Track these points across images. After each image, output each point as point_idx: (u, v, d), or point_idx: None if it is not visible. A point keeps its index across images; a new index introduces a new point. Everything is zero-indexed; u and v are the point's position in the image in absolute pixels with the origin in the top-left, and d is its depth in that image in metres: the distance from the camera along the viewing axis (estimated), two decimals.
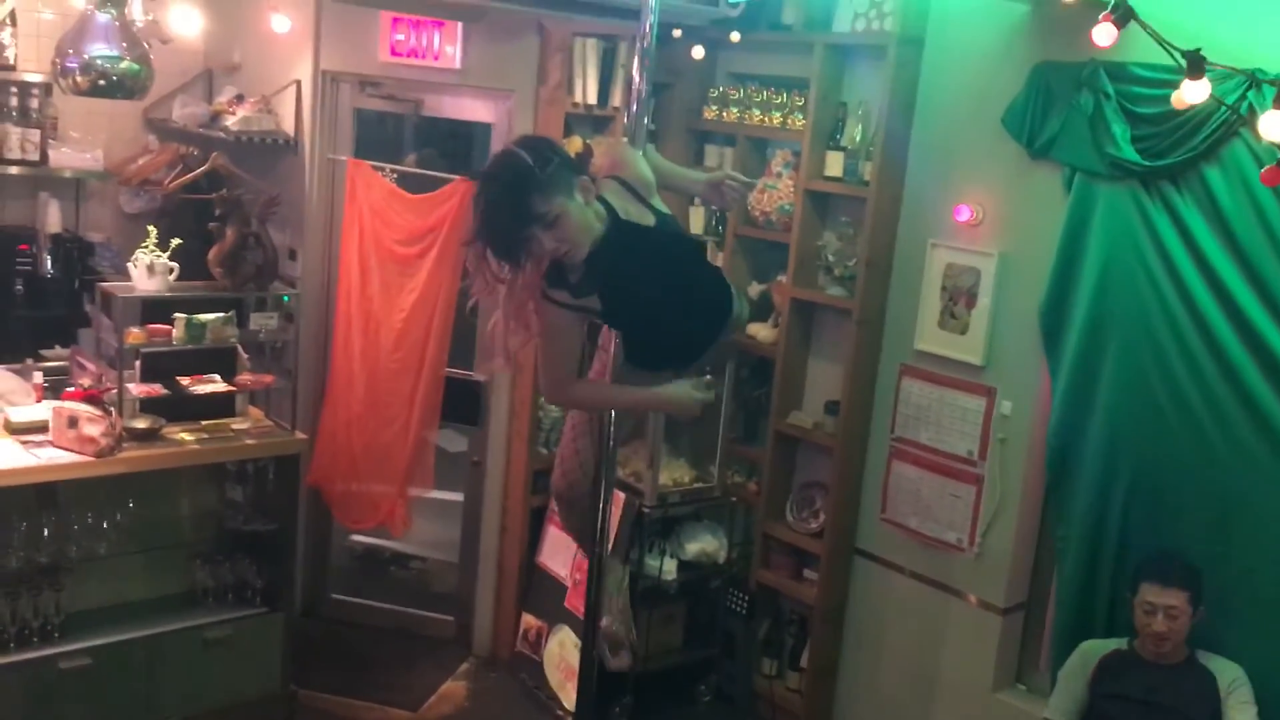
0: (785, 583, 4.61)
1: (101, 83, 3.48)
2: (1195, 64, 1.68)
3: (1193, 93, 1.74)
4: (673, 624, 4.74)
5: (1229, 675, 3.26)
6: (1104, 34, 1.78)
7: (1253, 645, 3.32)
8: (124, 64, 3.50)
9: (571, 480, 2.94)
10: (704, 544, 4.62)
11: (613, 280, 2.52)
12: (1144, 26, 1.71)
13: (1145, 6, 3.40)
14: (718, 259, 4.79)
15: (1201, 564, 3.34)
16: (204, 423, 4.21)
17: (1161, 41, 1.83)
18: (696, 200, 4.66)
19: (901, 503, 4.25)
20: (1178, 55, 1.75)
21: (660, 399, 2.76)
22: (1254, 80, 3.16)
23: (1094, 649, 3.48)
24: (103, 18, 3.50)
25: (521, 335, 2.60)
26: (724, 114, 4.72)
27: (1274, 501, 3.28)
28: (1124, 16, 1.72)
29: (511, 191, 2.36)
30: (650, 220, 2.62)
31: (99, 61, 3.47)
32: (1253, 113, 3.00)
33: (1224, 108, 3.10)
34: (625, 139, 2.86)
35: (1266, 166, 1.71)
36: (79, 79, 3.49)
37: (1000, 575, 4.00)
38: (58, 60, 3.52)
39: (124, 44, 3.52)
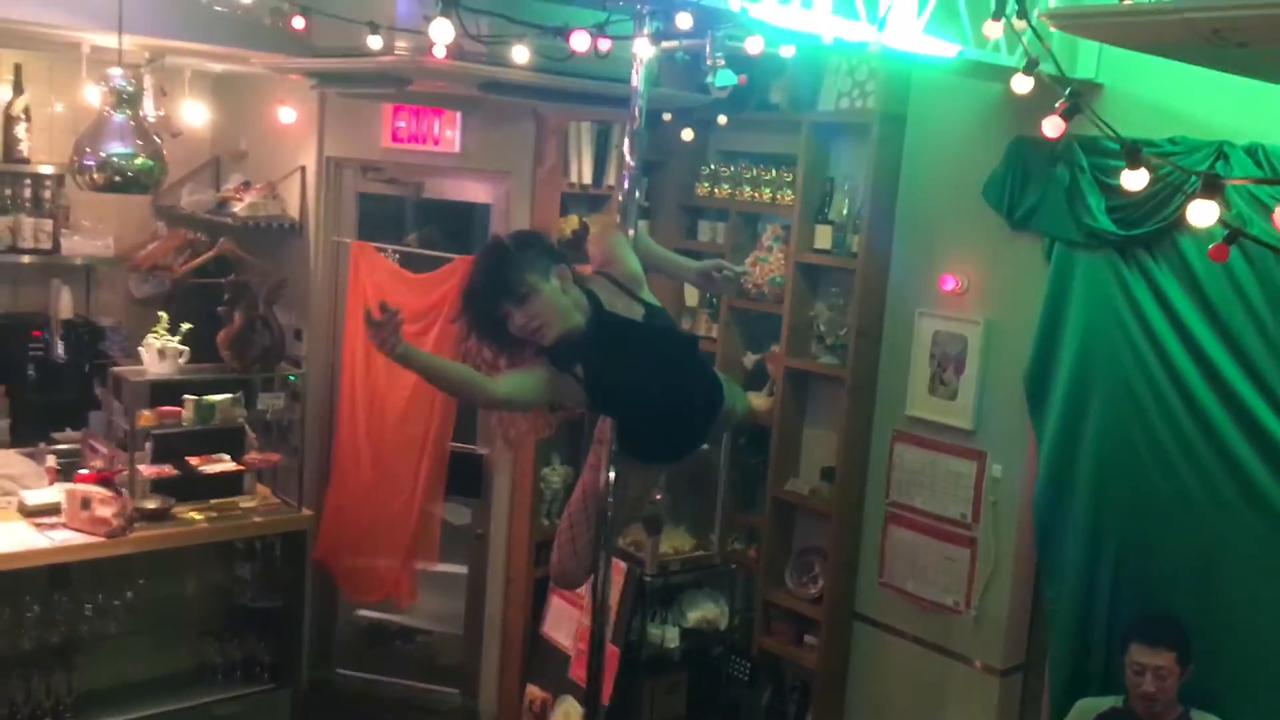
0: (787, 649, 4.65)
1: (117, 179, 3.63)
2: (1132, 154, 1.80)
3: (1132, 181, 1.87)
4: (676, 693, 4.76)
5: None
6: (1052, 126, 1.91)
7: (1241, 699, 3.37)
8: (139, 160, 3.65)
9: (567, 568, 3.00)
10: (705, 611, 4.67)
11: (599, 369, 2.61)
12: (1090, 116, 1.84)
13: (1121, 84, 3.61)
14: (713, 330, 4.91)
15: (1190, 620, 3.40)
16: (213, 501, 4.31)
17: (1105, 128, 1.96)
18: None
19: (899, 567, 4.31)
20: (1119, 143, 1.87)
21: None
22: (1221, 152, 3.32)
23: (1090, 707, 3.53)
24: (118, 117, 3.67)
25: (520, 424, 2.70)
26: (715, 190, 4.86)
27: (1256, 555, 3.35)
28: (1073, 109, 1.85)
29: (489, 267, 2.51)
30: (639, 313, 2.72)
31: (115, 159, 3.62)
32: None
33: (1194, 178, 3.23)
34: (619, 218, 2.98)
35: (1213, 244, 1.83)
36: (96, 176, 3.64)
37: (998, 636, 4.06)
38: (75, 158, 3.68)
39: (139, 141, 3.68)
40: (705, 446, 4.36)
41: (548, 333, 2.55)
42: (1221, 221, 1.75)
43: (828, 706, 4.53)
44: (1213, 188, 1.70)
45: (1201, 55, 2.11)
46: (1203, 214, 1.72)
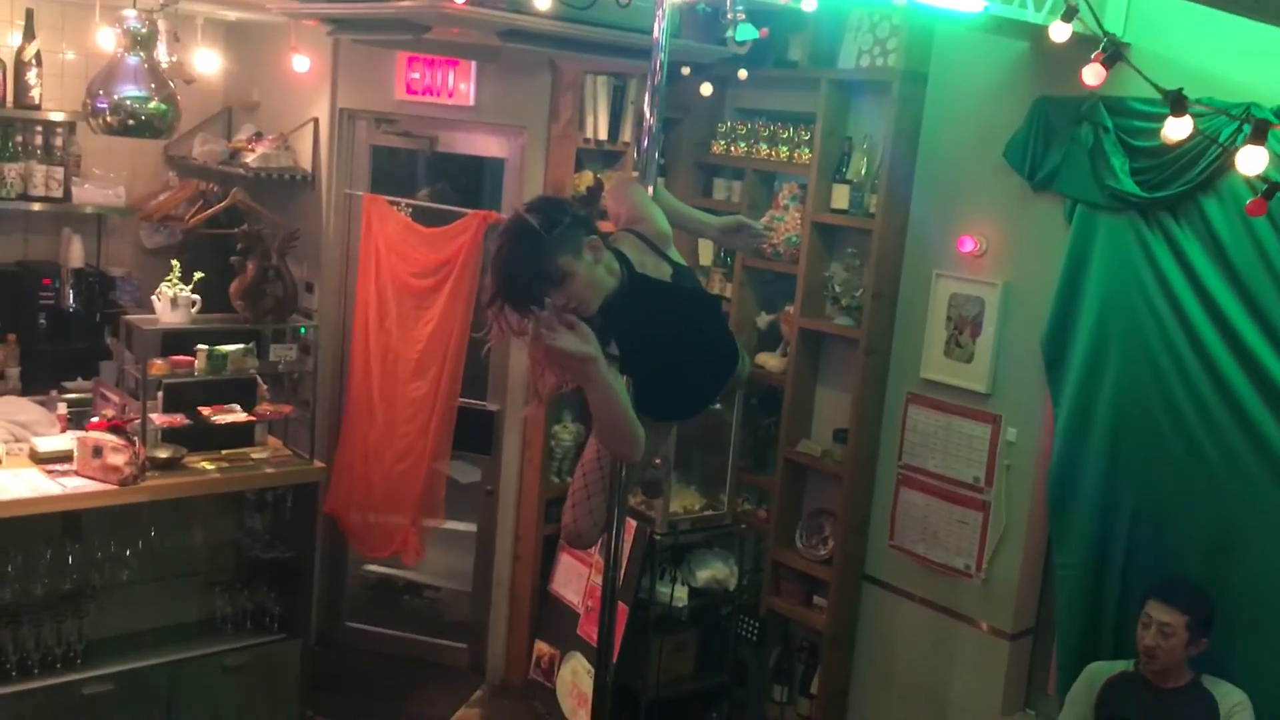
0: (795, 609, 4.65)
1: (131, 122, 3.59)
2: (1177, 102, 1.76)
3: (1176, 130, 1.82)
4: (684, 651, 4.79)
5: (1231, 700, 3.29)
6: (1093, 74, 1.86)
7: (1255, 667, 3.36)
8: (153, 104, 3.61)
9: (582, 529, 2.98)
10: (715, 571, 4.67)
11: (629, 331, 2.58)
12: (1132, 66, 1.79)
13: (1147, 44, 3.55)
14: (728, 289, 4.88)
15: (1205, 586, 3.39)
16: (224, 452, 4.30)
17: (1148, 79, 1.92)
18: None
19: (909, 529, 4.31)
20: (1161, 93, 1.83)
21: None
22: (1249, 114, 3.27)
23: (1099, 671, 3.52)
24: (132, 60, 3.62)
25: (552, 380, 2.66)
26: (732, 148, 4.81)
27: (1274, 524, 3.33)
28: (1113, 57, 1.81)
29: (520, 257, 2.44)
30: (667, 272, 2.68)
31: (128, 102, 3.58)
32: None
33: (1222, 138, 3.20)
34: (636, 174, 2.94)
35: (1252, 199, 1.79)
36: (109, 118, 3.60)
37: (1008, 600, 4.06)
38: (88, 101, 3.64)
39: (152, 85, 3.64)
40: (718, 406, 4.37)
41: (587, 308, 2.51)
42: (1261, 177, 1.72)
43: (835, 667, 4.54)
44: (1261, 134, 1.66)
45: (1249, 4, 2.05)
46: (1253, 160, 1.69)
